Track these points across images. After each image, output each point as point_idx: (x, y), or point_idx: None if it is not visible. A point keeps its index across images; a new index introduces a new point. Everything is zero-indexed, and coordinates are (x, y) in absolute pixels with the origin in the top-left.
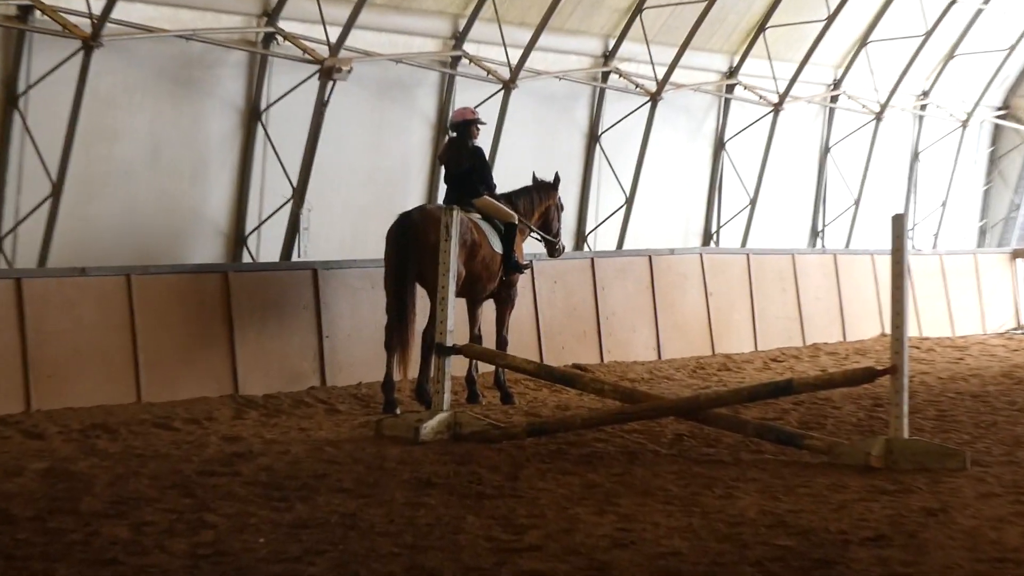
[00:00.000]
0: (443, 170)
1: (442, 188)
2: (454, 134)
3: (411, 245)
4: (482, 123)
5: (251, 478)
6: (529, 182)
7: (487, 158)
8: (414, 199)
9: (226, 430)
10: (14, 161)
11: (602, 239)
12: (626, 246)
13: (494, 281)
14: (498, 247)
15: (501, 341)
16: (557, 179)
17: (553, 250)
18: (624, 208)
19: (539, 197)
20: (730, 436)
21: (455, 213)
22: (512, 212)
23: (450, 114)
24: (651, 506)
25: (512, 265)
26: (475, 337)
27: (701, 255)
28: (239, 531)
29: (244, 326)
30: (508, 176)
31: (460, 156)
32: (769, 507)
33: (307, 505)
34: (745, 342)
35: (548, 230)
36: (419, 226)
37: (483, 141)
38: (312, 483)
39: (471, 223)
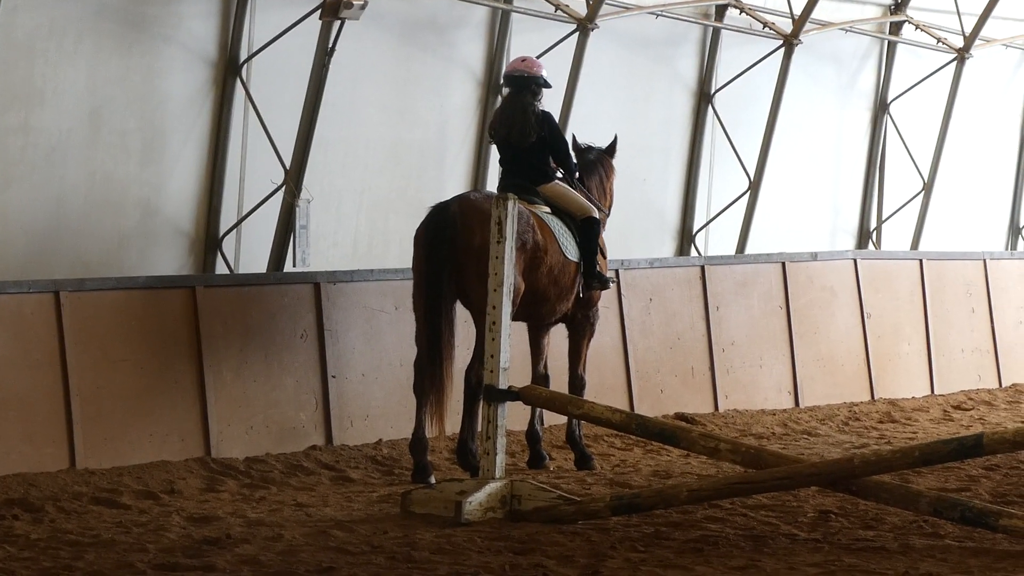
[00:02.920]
0: (495, 145)
1: (493, 169)
2: (507, 91)
3: (449, 249)
4: (547, 85)
5: (229, 574)
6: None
7: None
8: (454, 185)
9: (194, 507)
10: None
11: (716, 240)
12: (749, 249)
13: (567, 300)
14: (572, 252)
15: (577, 382)
16: (614, 143)
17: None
18: (747, 196)
19: (605, 171)
20: (896, 514)
21: (511, 203)
22: (591, 203)
23: (503, 66)
24: None
25: (594, 276)
26: (540, 377)
27: (855, 261)
28: None
29: (218, 362)
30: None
31: (524, 124)
32: None
33: None
34: (917, 383)
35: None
36: (460, 222)
37: (549, 103)
38: None
39: (534, 218)
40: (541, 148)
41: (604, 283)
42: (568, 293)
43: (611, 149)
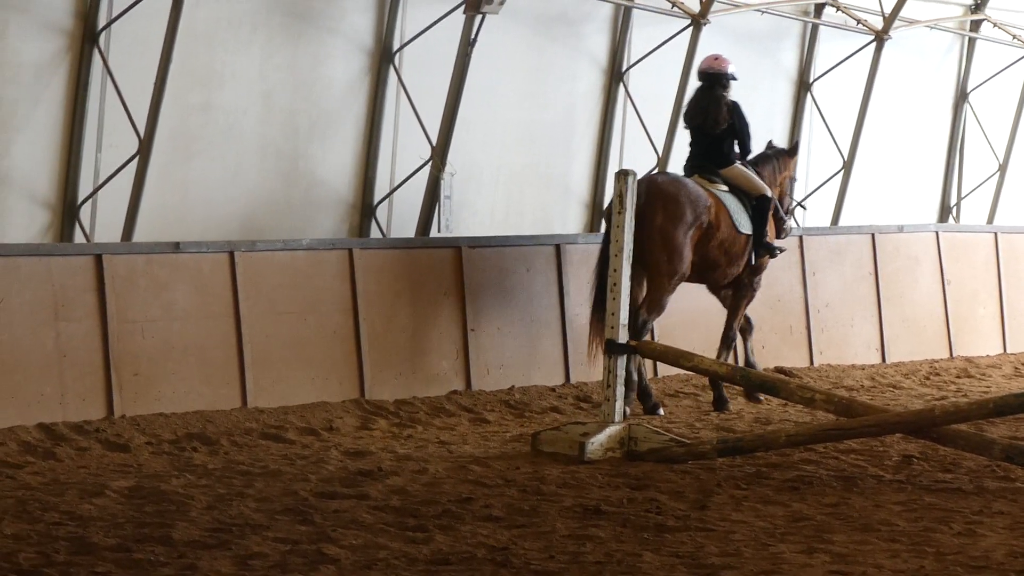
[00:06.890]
0: (688, 129)
1: (614, 149)
2: (700, 84)
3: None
4: (734, 78)
5: (380, 502)
6: (764, 148)
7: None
8: (581, 161)
9: (350, 443)
10: (93, 111)
11: (813, 213)
12: (843, 222)
13: (736, 266)
14: (744, 226)
15: (729, 334)
16: (795, 146)
17: (780, 230)
18: (841, 174)
19: (779, 166)
20: (972, 459)
21: (630, 179)
22: (764, 184)
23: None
24: (872, 544)
25: (764, 246)
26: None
27: (937, 234)
28: (365, 567)
29: (372, 316)
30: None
31: (717, 114)
32: (1021, 548)
33: (448, 536)
34: (991, 342)
35: (781, 206)
36: (644, 200)
37: (665, 89)
38: (455, 509)
39: (711, 198)
40: (729, 134)
41: (772, 252)
42: (739, 259)
43: (792, 150)
